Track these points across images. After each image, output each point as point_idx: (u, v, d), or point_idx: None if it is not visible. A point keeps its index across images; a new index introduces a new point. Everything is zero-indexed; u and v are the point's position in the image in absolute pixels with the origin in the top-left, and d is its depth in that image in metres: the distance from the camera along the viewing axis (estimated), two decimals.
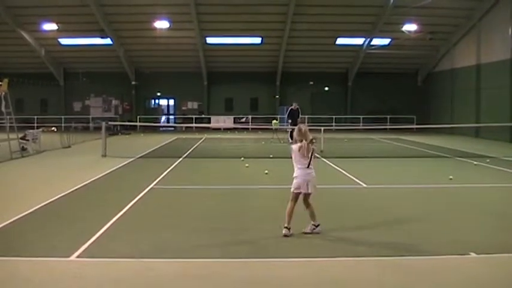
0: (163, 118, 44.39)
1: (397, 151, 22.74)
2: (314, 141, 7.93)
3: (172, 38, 35.88)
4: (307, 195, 7.99)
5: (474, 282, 6.10)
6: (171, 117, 44.06)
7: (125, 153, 20.29)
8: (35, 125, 32.67)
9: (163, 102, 44.59)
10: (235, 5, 32.31)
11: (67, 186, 12.19)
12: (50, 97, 41.31)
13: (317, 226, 8.01)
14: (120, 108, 40.72)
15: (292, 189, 7.98)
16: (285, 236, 7.74)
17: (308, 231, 7.98)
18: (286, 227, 7.83)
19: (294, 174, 7.99)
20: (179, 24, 34.29)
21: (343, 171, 15.47)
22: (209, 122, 40.35)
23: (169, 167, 16.21)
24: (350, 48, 38.70)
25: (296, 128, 8.18)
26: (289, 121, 26.55)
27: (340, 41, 37.22)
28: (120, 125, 34.22)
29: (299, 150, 7.83)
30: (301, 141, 7.83)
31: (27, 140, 20.55)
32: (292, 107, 26.61)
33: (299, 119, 26.64)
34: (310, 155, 7.85)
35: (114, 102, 40.74)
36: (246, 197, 11.57)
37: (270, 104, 41.55)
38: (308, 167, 7.87)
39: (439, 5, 29.72)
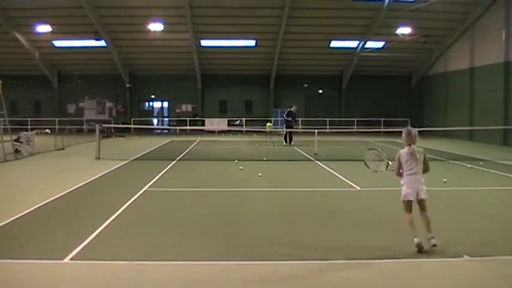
0: (155, 121, 44.22)
1: (392, 154, 22.76)
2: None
3: (167, 41, 35.85)
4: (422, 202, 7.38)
5: (468, 284, 6.12)
6: (165, 119, 43.97)
7: (119, 155, 20.25)
8: (29, 127, 32.60)
9: (157, 104, 44.42)
10: (230, 7, 32.31)
11: (61, 188, 12.15)
12: (44, 99, 41.13)
13: (432, 238, 7.17)
14: (114, 111, 40.63)
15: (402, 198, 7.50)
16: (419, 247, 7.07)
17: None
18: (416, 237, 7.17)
19: (402, 181, 7.51)
20: (174, 27, 34.26)
21: (337, 174, 15.49)
22: (203, 125, 40.31)
23: (163, 170, 16.19)
24: (344, 51, 38.78)
25: (405, 130, 7.55)
26: (286, 123, 27.10)
27: (335, 43, 37.30)
28: (114, 128, 34.15)
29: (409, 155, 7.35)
30: (410, 145, 7.40)
31: (21, 142, 20.47)
32: (292, 109, 26.97)
33: (295, 122, 27.21)
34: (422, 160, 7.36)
35: (108, 104, 40.65)
36: (240, 199, 11.56)
37: (264, 107, 41.57)
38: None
39: (433, 8, 29.80)
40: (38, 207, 10.07)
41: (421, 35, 33.83)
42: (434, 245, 7.08)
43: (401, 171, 7.53)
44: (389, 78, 40.42)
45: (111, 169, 16.39)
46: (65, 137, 24.39)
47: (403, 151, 7.47)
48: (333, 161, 19.05)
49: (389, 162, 8.02)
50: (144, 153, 22.23)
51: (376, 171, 8.20)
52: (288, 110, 27.34)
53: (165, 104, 43.89)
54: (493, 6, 29.49)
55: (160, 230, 8.49)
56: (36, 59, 37.95)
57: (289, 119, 26.94)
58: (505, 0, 28.09)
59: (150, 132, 39.57)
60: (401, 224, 9.13)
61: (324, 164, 18.00)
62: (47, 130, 34.05)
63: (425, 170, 7.48)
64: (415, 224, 7.27)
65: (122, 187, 12.98)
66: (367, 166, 8.36)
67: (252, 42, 37.31)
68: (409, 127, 7.73)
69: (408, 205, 7.41)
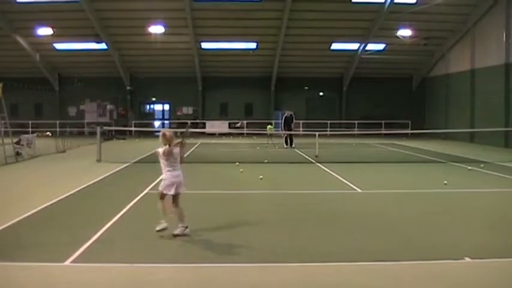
0: (157, 123, 44.27)
1: (392, 156, 22.78)
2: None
3: (168, 43, 35.84)
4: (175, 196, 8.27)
5: (469, 287, 6.11)
6: (166, 122, 43.96)
7: (120, 158, 20.26)
8: (30, 129, 32.61)
9: (158, 107, 44.43)
10: (231, 10, 32.36)
11: (62, 191, 12.15)
12: (45, 102, 41.16)
13: (186, 228, 8.20)
14: (115, 113, 40.66)
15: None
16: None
17: (177, 233, 8.13)
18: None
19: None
20: (174, 29, 34.29)
21: (338, 176, 15.48)
22: (204, 127, 40.30)
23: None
24: (345, 54, 38.78)
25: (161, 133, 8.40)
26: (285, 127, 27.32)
27: (335, 46, 37.29)
28: (115, 130, 34.18)
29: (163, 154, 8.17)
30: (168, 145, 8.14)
31: (22, 145, 20.48)
32: (286, 114, 27.13)
33: (293, 124, 27.37)
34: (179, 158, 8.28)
35: (109, 107, 40.67)
36: (241, 201, 11.56)
37: (265, 109, 41.58)
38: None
39: (434, 10, 29.83)
40: (38, 210, 10.07)
41: (421, 37, 33.85)
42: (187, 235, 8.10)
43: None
44: (390, 80, 40.42)
45: (112, 172, 16.39)
46: (65, 140, 24.40)
47: (160, 150, 8.29)
48: (334, 163, 19.05)
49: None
50: (145, 155, 22.19)
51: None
52: (284, 116, 27.48)
53: (166, 107, 43.89)
54: (494, 8, 29.52)
55: (161, 233, 8.47)
56: (37, 61, 37.98)
57: (285, 126, 27.10)
58: (505, 2, 28.11)
59: (151, 134, 39.54)
60: (402, 225, 9.15)
61: (324, 166, 18.00)
62: (47, 133, 34.20)
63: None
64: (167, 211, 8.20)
65: (123, 190, 12.98)
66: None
67: (252, 45, 37.31)
68: (164, 129, 9.00)
69: (163, 195, 8.37)
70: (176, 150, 8.22)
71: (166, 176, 8.30)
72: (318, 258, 7.06)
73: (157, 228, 8.05)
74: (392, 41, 34.68)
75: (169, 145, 8.12)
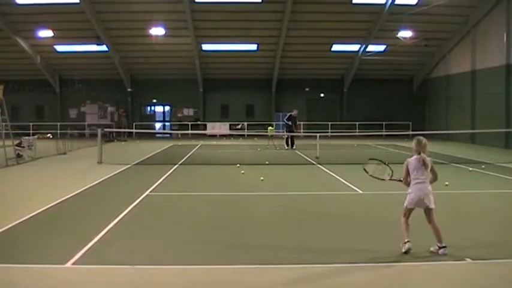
0: (159, 125, 44.35)
1: (393, 157, 22.76)
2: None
3: (168, 45, 35.91)
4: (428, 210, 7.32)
5: None
6: (167, 124, 44.02)
7: (121, 160, 20.27)
8: (31, 131, 32.59)
9: (158, 109, 44.48)
10: (231, 11, 32.40)
11: (62, 193, 12.16)
12: (46, 104, 41.28)
13: (441, 249, 7.15)
14: (116, 115, 40.67)
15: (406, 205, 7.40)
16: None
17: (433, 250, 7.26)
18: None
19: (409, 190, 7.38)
20: (175, 31, 34.34)
21: (339, 178, 15.48)
22: (205, 129, 40.31)
23: (165, 174, 16.20)
24: (345, 55, 38.82)
25: (415, 139, 7.40)
26: (286, 127, 27.29)
27: (336, 47, 37.36)
28: (116, 132, 34.23)
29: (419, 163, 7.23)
30: (419, 153, 7.26)
31: (23, 147, 20.52)
32: (293, 113, 27.12)
33: (295, 126, 27.35)
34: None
35: (110, 109, 40.69)
36: (242, 203, 11.55)
37: (265, 111, 41.58)
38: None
39: (434, 11, 29.85)
40: (39, 212, 10.06)
41: (422, 38, 33.87)
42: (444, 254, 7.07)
43: (409, 179, 7.38)
44: (391, 81, 40.45)
45: (113, 173, 16.40)
46: (66, 142, 24.40)
47: (412, 159, 7.33)
48: (335, 164, 19.04)
49: (391, 173, 7.93)
50: (145, 157, 22.23)
51: (375, 177, 8.16)
52: (289, 114, 27.49)
53: (167, 108, 43.93)
54: (495, 9, 29.51)
55: (162, 235, 8.48)
56: (37, 64, 38.06)
57: (290, 123, 27.11)
58: (506, 3, 28.11)
59: (152, 136, 39.60)
60: None
61: (325, 168, 17.99)
62: (48, 135, 34.17)
63: (434, 179, 7.40)
64: (409, 228, 7.29)
65: (124, 191, 12.97)
66: (366, 171, 8.37)
67: (253, 46, 37.37)
68: (420, 137, 7.51)
69: (408, 211, 7.38)
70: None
71: (413, 188, 7.29)
72: (319, 259, 7.05)
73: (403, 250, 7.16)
74: (393, 42, 34.72)
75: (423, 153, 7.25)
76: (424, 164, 7.16)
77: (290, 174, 17.01)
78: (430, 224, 7.30)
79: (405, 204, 7.39)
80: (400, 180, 7.59)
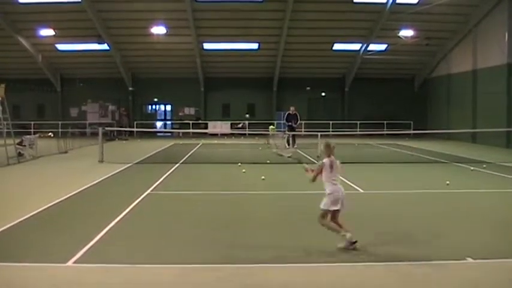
0: (160, 124, 44.37)
1: (394, 156, 22.76)
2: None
3: (169, 44, 35.89)
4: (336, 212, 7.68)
5: (471, 287, 6.10)
6: (168, 122, 44.02)
7: (122, 158, 20.28)
8: (32, 130, 32.60)
9: (160, 108, 44.51)
10: (232, 10, 32.38)
11: (64, 192, 12.17)
12: (47, 103, 41.26)
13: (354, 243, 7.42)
14: (117, 114, 40.70)
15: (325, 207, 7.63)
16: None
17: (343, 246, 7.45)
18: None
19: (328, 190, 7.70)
20: (176, 30, 34.32)
21: (340, 177, 15.42)
22: (206, 128, 40.30)
23: (166, 173, 16.20)
24: (347, 54, 38.76)
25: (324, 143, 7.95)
26: (288, 124, 27.13)
27: (337, 46, 37.29)
28: (117, 131, 34.24)
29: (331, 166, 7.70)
30: (329, 156, 7.75)
31: (24, 146, 20.53)
32: (290, 111, 27.02)
33: (296, 124, 27.20)
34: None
35: (111, 107, 40.71)
36: (243, 202, 11.57)
37: (267, 110, 41.57)
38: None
39: (436, 10, 29.80)
40: (40, 211, 10.08)
41: (423, 37, 33.82)
42: (354, 241, 7.35)
43: (319, 177, 7.85)
44: (392, 80, 40.38)
45: (114, 172, 16.41)
46: (67, 141, 24.42)
47: (326, 161, 7.79)
48: None
49: (305, 165, 8.39)
50: (147, 156, 22.24)
51: (275, 151, 8.78)
52: (287, 113, 27.37)
53: (168, 107, 43.94)
54: (496, 8, 29.45)
55: (163, 233, 8.49)
56: (39, 62, 38.03)
57: (290, 123, 26.98)
58: (508, 2, 28.06)
59: (153, 135, 39.61)
60: (404, 226, 9.13)
61: None
62: (49, 133, 34.20)
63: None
64: (338, 223, 7.60)
65: (125, 190, 12.98)
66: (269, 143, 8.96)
67: (254, 45, 37.34)
68: (328, 140, 8.13)
69: (327, 214, 7.63)
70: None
71: (332, 189, 7.75)
72: (320, 258, 7.06)
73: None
74: (394, 41, 34.64)
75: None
76: (335, 166, 7.75)
77: (291, 173, 16.98)
78: (333, 220, 7.63)
79: (326, 207, 7.63)
80: (307, 170, 8.10)
